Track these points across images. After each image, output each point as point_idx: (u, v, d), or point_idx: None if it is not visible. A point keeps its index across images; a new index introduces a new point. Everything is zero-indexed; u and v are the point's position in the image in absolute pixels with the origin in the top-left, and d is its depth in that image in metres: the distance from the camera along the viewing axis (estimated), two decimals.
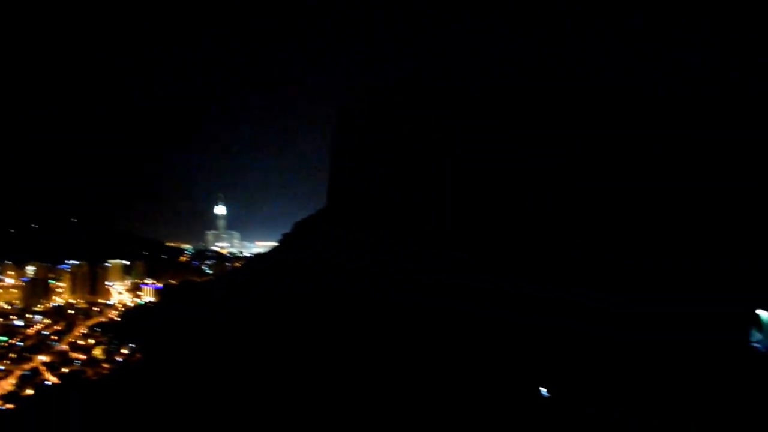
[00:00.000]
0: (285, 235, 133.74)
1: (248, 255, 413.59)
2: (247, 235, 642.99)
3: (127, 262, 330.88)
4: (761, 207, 45.76)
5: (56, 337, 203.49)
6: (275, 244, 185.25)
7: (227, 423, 52.23)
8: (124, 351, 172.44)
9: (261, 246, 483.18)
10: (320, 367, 56.07)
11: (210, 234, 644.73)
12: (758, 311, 42.01)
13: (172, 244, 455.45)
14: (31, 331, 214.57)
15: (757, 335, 41.80)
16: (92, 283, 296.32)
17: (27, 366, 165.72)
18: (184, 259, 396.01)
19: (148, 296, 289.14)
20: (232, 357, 72.20)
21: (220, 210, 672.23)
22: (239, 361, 68.86)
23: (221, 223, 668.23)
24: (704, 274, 49.50)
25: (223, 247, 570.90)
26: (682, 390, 37.58)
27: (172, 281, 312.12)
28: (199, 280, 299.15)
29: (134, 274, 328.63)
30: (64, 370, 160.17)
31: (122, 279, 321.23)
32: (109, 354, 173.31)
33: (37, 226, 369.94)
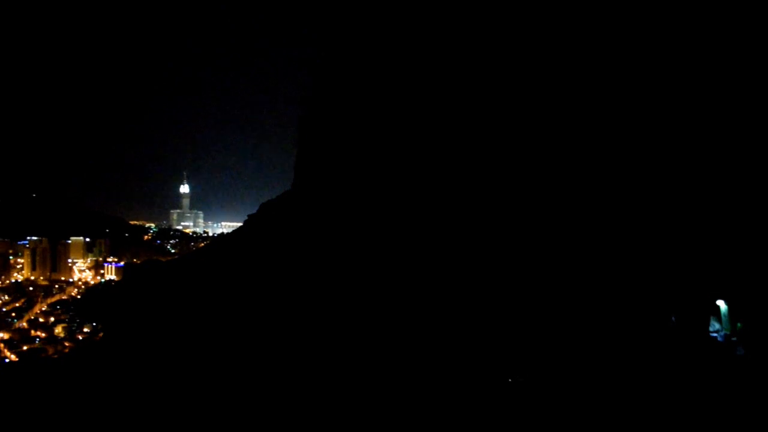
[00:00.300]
0: (250, 216, 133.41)
1: (212, 235, 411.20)
2: (212, 215, 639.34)
3: (90, 240, 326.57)
4: (720, 196, 47.25)
5: (15, 314, 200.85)
6: (240, 224, 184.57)
7: (188, 403, 52.60)
8: (86, 329, 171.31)
9: (226, 226, 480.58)
10: (277, 349, 56.69)
11: (174, 213, 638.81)
12: (718, 301, 43.07)
13: (135, 223, 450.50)
14: None
15: (716, 325, 42.89)
16: (53, 260, 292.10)
17: None
18: (148, 237, 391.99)
19: (110, 275, 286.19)
20: (194, 339, 72.35)
21: (184, 189, 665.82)
22: (201, 342, 69.08)
23: (185, 202, 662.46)
24: (661, 261, 50.91)
25: (187, 226, 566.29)
26: (642, 381, 38.79)
27: (135, 260, 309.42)
28: (162, 259, 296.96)
29: (97, 251, 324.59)
30: (24, 347, 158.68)
31: (84, 257, 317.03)
32: (71, 332, 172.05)
33: None
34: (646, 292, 45.61)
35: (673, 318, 43.25)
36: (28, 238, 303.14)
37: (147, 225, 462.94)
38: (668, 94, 47.17)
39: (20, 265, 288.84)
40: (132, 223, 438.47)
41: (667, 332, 42.42)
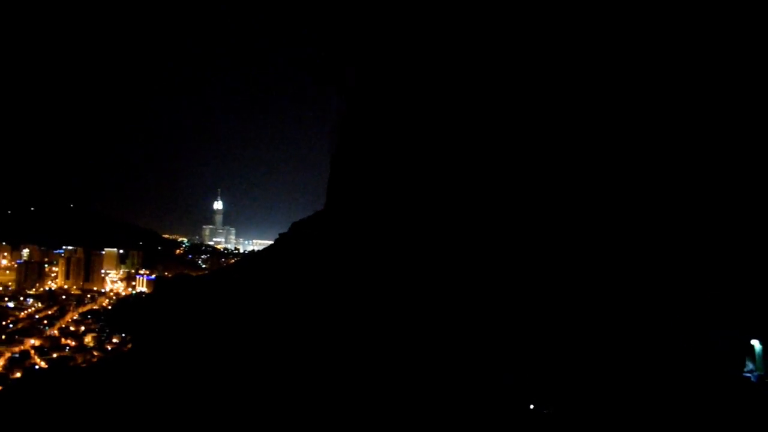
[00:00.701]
0: (281, 235, 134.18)
1: (243, 252, 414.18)
2: (244, 232, 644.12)
3: (123, 251, 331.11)
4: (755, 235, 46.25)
5: (47, 322, 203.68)
6: (271, 242, 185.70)
7: (214, 417, 52.67)
8: (115, 340, 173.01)
9: (257, 244, 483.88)
10: (308, 365, 56.62)
11: (207, 228, 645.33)
12: (753, 341, 41.95)
13: (168, 237, 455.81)
14: (22, 314, 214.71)
15: (750, 365, 41.68)
16: (87, 269, 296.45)
17: (17, 348, 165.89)
18: (180, 252, 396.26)
19: (141, 287, 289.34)
20: (221, 354, 72.62)
21: (218, 205, 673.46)
22: (227, 358, 69.30)
23: (218, 218, 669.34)
24: (697, 299, 49.79)
25: (219, 242, 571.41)
26: (674, 420, 37.87)
27: (166, 273, 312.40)
28: (193, 274, 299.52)
29: (129, 263, 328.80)
30: (54, 355, 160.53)
31: (117, 268, 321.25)
32: (100, 342, 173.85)
33: (34, 209, 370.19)
34: (682, 330, 44.67)
35: (704, 357, 42.23)
36: (64, 247, 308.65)
37: (180, 239, 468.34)
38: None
39: (54, 274, 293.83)
40: (165, 236, 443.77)
41: (702, 371, 41.40)
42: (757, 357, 41.35)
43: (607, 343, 42.86)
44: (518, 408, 38.61)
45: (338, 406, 43.67)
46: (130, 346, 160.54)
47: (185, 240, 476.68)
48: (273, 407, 46.70)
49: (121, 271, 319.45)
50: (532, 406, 39.22)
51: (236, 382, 52.73)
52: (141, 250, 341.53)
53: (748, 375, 42.33)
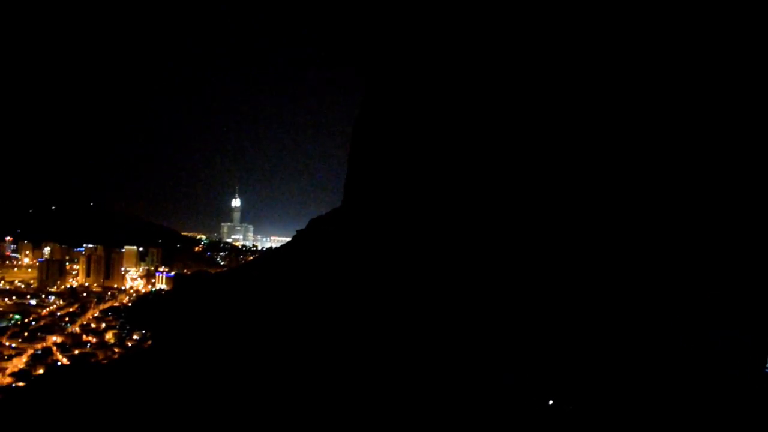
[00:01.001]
0: (299, 231, 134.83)
1: (261, 248, 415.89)
2: (262, 229, 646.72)
3: (143, 249, 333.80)
4: None
5: (68, 319, 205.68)
6: (289, 239, 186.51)
7: (233, 414, 53.11)
8: (136, 336, 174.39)
9: (275, 240, 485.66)
10: (324, 363, 56.90)
11: (225, 226, 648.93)
12: None
13: (187, 234, 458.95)
14: (44, 311, 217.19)
15: None
16: (107, 267, 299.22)
17: (39, 345, 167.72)
18: (199, 249, 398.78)
19: (161, 284, 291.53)
20: (241, 349, 73.18)
21: (236, 202, 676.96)
22: (247, 355, 69.82)
23: (236, 215, 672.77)
24: (719, 297, 49.40)
25: (237, 239, 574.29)
26: (695, 418, 37.65)
27: (185, 270, 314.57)
28: (211, 271, 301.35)
29: (149, 261, 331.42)
30: (76, 352, 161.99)
31: (137, 265, 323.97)
32: (121, 339, 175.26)
33: (55, 208, 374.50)
34: (704, 327, 44.37)
35: (725, 353, 41.94)
36: (85, 245, 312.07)
37: (198, 237, 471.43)
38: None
39: (75, 272, 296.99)
40: (184, 234, 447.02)
41: (724, 368, 41.10)
42: None
43: (606, 342, 42.72)
44: (518, 408, 38.61)
45: (346, 401, 43.89)
46: (150, 342, 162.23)
47: (204, 237, 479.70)
48: (289, 402, 46.99)
49: (141, 269, 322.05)
50: (549, 402, 39.20)
51: (254, 377, 53.15)
52: (160, 248, 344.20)
53: None
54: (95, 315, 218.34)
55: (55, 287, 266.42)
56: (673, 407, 36.81)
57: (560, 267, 50.97)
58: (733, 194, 44.12)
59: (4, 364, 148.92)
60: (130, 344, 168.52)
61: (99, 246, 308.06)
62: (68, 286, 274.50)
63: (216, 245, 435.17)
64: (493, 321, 49.39)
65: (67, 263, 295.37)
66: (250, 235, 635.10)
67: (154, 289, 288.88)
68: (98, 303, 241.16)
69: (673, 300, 44.41)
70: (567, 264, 50.61)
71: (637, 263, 47.56)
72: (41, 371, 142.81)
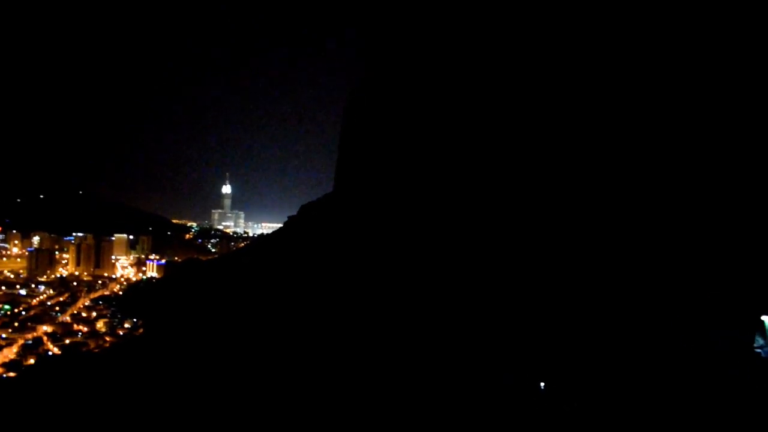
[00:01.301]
0: (290, 218, 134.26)
1: (252, 235, 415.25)
2: (253, 216, 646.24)
3: (133, 237, 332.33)
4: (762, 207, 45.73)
5: (59, 308, 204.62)
6: (280, 225, 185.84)
7: (224, 403, 52.76)
8: (127, 325, 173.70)
9: (266, 227, 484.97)
10: (316, 354, 56.61)
11: (216, 213, 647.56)
12: (763, 317, 41.73)
13: (177, 222, 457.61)
14: (34, 301, 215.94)
15: (760, 341, 41.57)
16: (97, 256, 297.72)
17: (30, 335, 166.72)
18: (189, 236, 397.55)
19: (152, 272, 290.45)
20: (232, 336, 72.84)
21: (226, 189, 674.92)
22: (239, 340, 69.47)
23: (227, 202, 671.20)
24: (707, 277, 49.49)
25: (228, 226, 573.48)
26: (683, 394, 37.69)
27: (176, 258, 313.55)
28: (203, 258, 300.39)
29: (139, 249, 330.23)
30: (67, 341, 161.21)
31: (127, 253, 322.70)
32: (112, 327, 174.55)
33: (44, 197, 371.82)
34: (695, 306, 44.38)
35: (717, 333, 42.00)
36: (74, 234, 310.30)
37: (189, 224, 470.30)
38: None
39: (65, 261, 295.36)
40: (174, 221, 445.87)
41: (713, 346, 41.20)
42: (767, 333, 41.27)
43: (606, 342, 42.62)
44: (518, 408, 38.48)
45: (339, 393, 43.58)
46: (141, 330, 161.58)
47: (194, 225, 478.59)
48: (279, 393, 46.60)
49: (132, 257, 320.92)
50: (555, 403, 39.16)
51: (246, 366, 52.70)
52: (151, 236, 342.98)
53: (759, 350, 42.24)
54: (86, 304, 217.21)
55: (45, 277, 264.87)
56: (672, 407, 36.76)
57: (560, 267, 50.74)
58: (732, 194, 43.91)
59: None
60: (121, 333, 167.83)
61: (89, 234, 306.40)
62: (58, 275, 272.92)
63: (207, 232, 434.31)
64: (493, 321, 49.11)
65: (57, 252, 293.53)
66: (241, 221, 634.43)
67: (144, 277, 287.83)
68: (89, 292, 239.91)
69: (673, 300, 44.31)
70: (567, 264, 50.38)
71: (637, 263, 47.38)
72: (32, 361, 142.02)
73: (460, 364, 44.20)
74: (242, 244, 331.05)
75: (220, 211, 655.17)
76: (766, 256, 44.45)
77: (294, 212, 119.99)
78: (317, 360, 50.34)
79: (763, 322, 41.69)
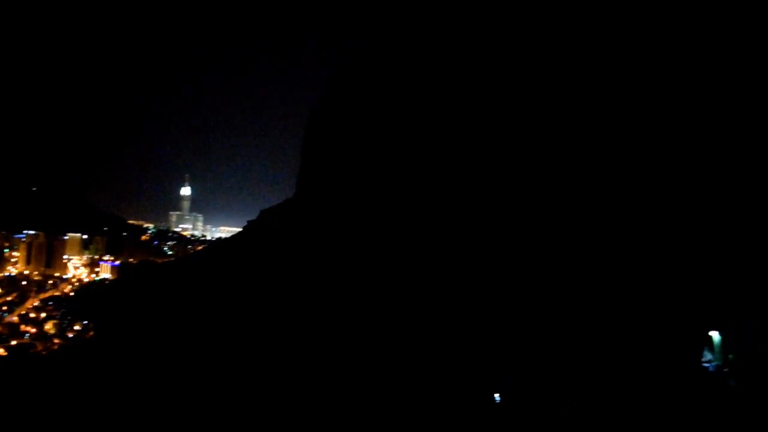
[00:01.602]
0: (250, 222, 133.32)
1: (211, 239, 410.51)
2: (212, 219, 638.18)
3: (87, 237, 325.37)
4: (718, 223, 46.83)
5: (6, 308, 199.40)
6: (239, 230, 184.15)
7: (175, 405, 52.04)
8: (77, 327, 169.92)
9: (225, 231, 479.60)
10: (278, 358, 56.31)
11: (174, 215, 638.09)
12: (711, 332, 42.95)
13: (134, 222, 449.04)
14: None
15: (708, 355, 42.70)
16: (49, 255, 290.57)
17: None
18: (146, 238, 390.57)
19: (105, 273, 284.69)
20: (186, 340, 71.94)
21: (185, 191, 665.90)
22: (192, 344, 68.67)
23: (186, 204, 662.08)
24: (659, 292, 50.56)
25: (186, 229, 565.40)
26: (632, 408, 38.45)
27: (131, 260, 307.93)
28: (158, 261, 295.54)
29: (93, 249, 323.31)
30: (13, 342, 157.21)
31: (80, 253, 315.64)
32: (61, 329, 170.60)
33: None
34: (644, 321, 45.25)
35: (668, 347, 42.91)
36: (25, 232, 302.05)
37: (145, 225, 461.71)
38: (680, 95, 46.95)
39: (15, 259, 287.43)
40: (131, 222, 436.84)
41: (662, 361, 42.06)
42: (715, 348, 42.32)
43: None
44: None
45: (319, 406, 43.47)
46: (92, 333, 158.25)
47: (151, 226, 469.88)
48: (241, 394, 46.28)
49: (85, 257, 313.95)
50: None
51: (198, 369, 52.24)
52: (105, 236, 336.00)
53: (707, 365, 43.29)
54: (35, 304, 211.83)
55: None
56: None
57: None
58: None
59: None
60: (71, 335, 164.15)
61: (40, 233, 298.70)
62: (7, 274, 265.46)
63: (164, 234, 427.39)
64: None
65: (7, 250, 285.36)
66: (200, 224, 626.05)
67: (97, 278, 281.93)
68: (38, 292, 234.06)
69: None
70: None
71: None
72: None
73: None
74: (200, 248, 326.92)
75: (178, 213, 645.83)
76: (714, 274, 45.62)
77: (254, 217, 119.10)
78: (278, 367, 50.01)
79: (711, 337, 42.82)
